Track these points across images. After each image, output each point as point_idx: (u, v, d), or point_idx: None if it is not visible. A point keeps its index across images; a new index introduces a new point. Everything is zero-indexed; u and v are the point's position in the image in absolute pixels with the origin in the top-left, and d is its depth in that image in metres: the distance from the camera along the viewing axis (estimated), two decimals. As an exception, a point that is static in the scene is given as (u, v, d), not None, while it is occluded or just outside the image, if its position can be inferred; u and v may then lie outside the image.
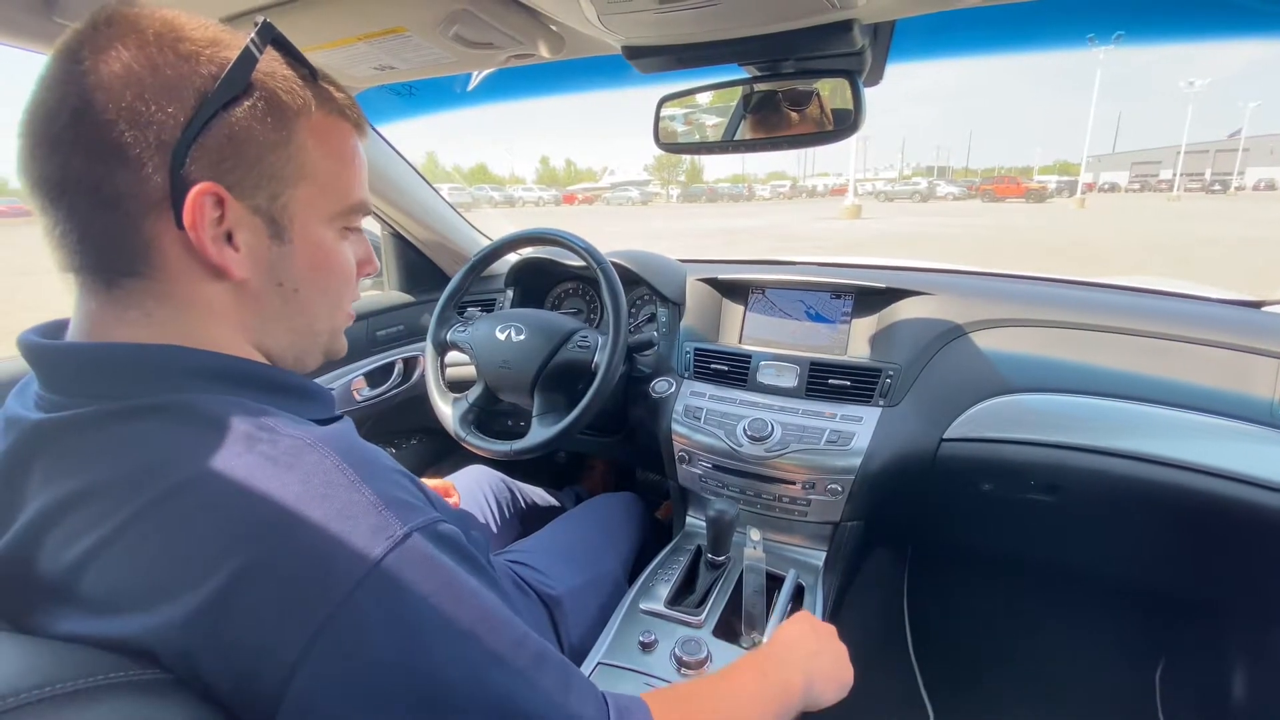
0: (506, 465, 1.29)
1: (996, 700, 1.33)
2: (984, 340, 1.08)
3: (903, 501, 1.15)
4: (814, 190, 63.15)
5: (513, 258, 1.43)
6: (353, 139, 0.52)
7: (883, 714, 1.30)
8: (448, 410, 1.17)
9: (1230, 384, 0.93)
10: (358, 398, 1.38)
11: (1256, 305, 1.10)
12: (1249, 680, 1.16)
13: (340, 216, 0.51)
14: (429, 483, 1.17)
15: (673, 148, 0.95)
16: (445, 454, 1.64)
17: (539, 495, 1.52)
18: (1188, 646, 1.29)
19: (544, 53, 0.82)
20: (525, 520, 1.41)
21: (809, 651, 0.70)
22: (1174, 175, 48.63)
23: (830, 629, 0.76)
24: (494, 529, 1.27)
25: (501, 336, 1.14)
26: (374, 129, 1.22)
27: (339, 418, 0.54)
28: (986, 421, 1.04)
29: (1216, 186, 49.08)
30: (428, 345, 1.22)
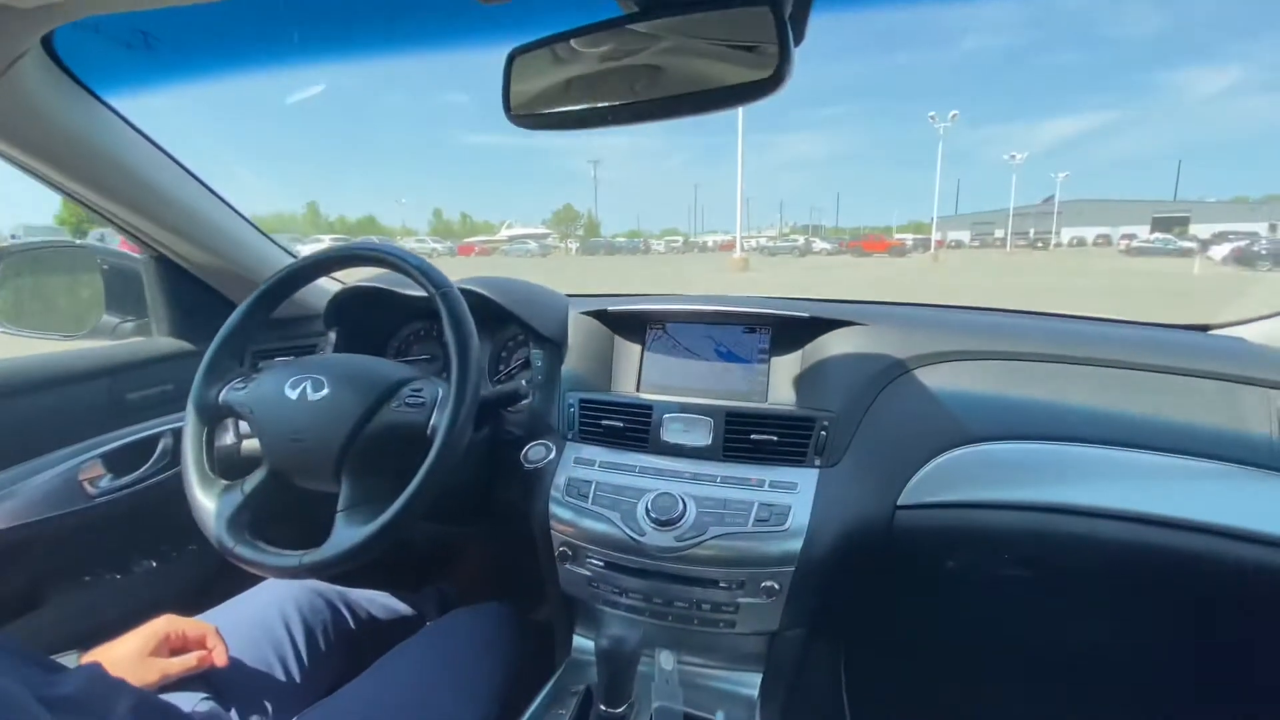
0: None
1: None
2: (932, 378, 0.88)
3: (849, 593, 0.90)
4: (705, 245, 66.29)
5: (332, 287, 1.08)
6: None
7: None
8: (210, 505, 0.78)
9: (1221, 420, 0.77)
10: (90, 490, 0.94)
11: (1202, 329, 0.99)
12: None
13: None
14: (181, 625, 0.77)
15: (531, 120, 0.67)
16: (238, 563, 1.20)
17: (385, 605, 1.12)
18: None
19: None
20: (361, 647, 1.01)
21: None
22: (1005, 234, 56.10)
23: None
24: (297, 678, 0.87)
25: (293, 395, 0.78)
26: (105, 104, 0.85)
27: None
28: (947, 480, 0.82)
29: (1039, 244, 57.09)
30: (189, 411, 0.83)
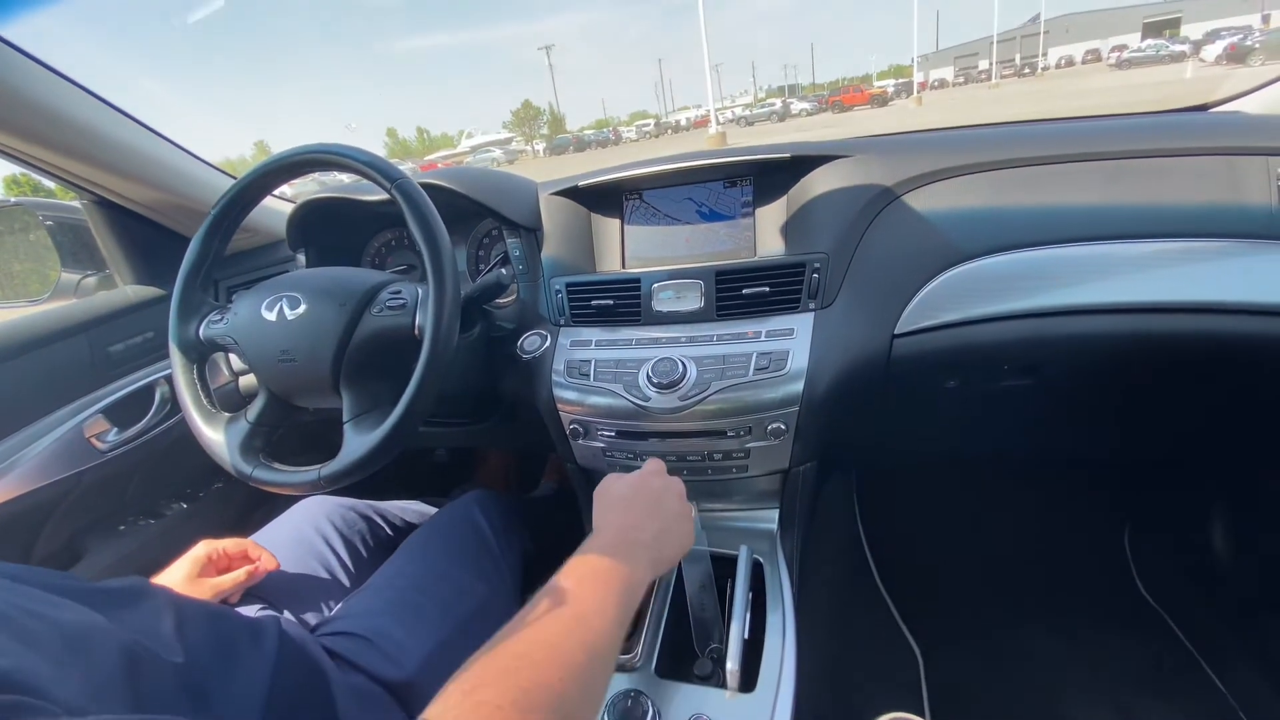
0: (367, 485, 0.91)
1: (976, 615, 1.19)
2: (922, 201, 0.85)
3: (853, 423, 0.93)
4: (678, 125, 62.91)
5: (285, 207, 1.02)
6: None
7: (872, 661, 1.13)
8: (218, 438, 0.79)
9: (1221, 196, 0.75)
10: (101, 446, 0.95)
11: (1201, 109, 0.94)
12: (1224, 530, 1.08)
13: None
14: (220, 545, 0.80)
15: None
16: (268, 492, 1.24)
17: (417, 511, 1.17)
18: (1151, 508, 1.21)
19: None
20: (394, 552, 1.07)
21: (653, 524, 0.59)
22: (990, 64, 52.93)
23: (671, 482, 0.67)
24: (345, 582, 0.92)
25: (270, 316, 0.76)
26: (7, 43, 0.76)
27: None
28: (943, 302, 0.82)
29: (1026, 70, 54.10)
30: (172, 351, 0.82)
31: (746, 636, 0.65)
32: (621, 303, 0.91)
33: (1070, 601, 1.18)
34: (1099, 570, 1.22)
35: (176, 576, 0.74)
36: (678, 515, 0.63)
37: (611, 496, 0.63)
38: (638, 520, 0.59)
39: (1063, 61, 55.40)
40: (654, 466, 0.69)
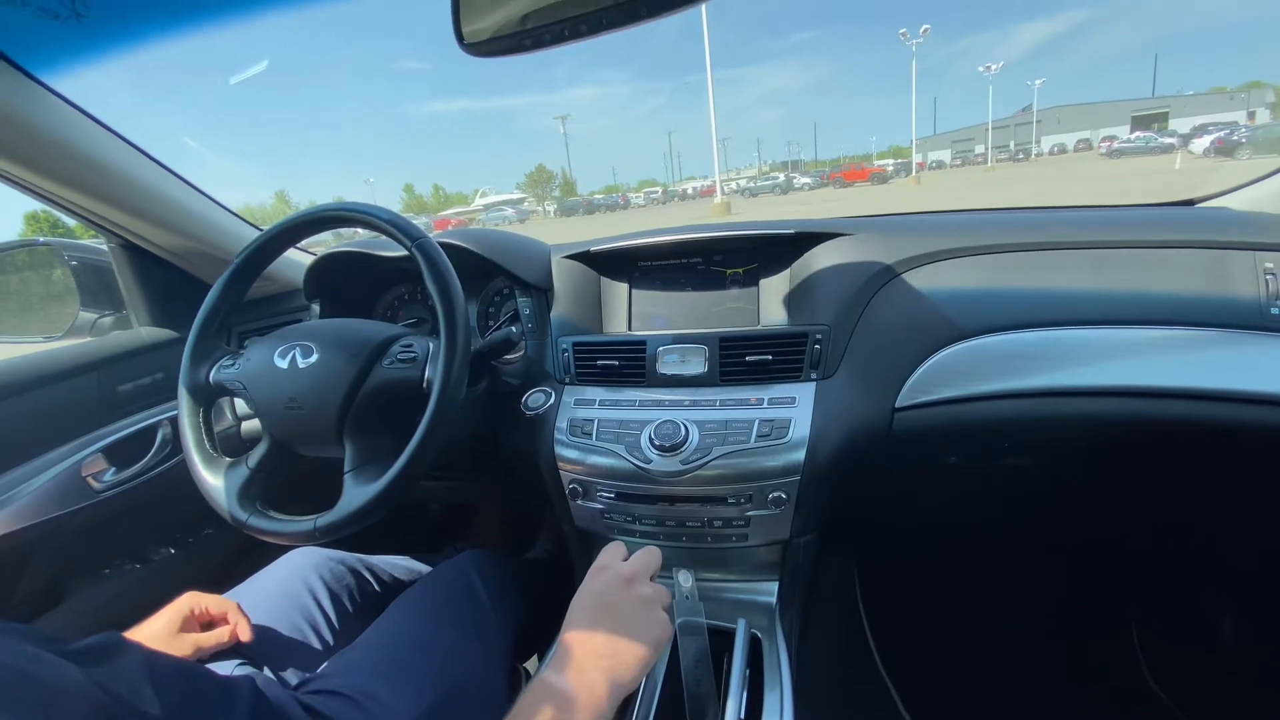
0: (357, 538, 0.90)
1: (979, 702, 1.14)
2: (921, 280, 0.88)
3: (855, 497, 0.92)
4: (685, 193, 65.05)
5: (305, 259, 1.06)
6: None
7: None
8: (217, 483, 0.79)
9: (1210, 288, 0.78)
10: (97, 485, 0.94)
11: (1188, 204, 0.98)
12: (1234, 622, 1.05)
13: None
14: (204, 601, 0.78)
15: (486, 47, 0.64)
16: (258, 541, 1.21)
17: (407, 567, 1.14)
18: (1159, 597, 1.18)
19: None
20: (382, 609, 1.04)
21: (601, 630, 0.55)
22: (986, 149, 55.38)
23: (613, 570, 0.61)
24: (330, 640, 0.89)
25: (282, 364, 0.77)
26: (43, 84, 0.81)
27: None
28: (942, 378, 0.83)
29: (1020, 155, 56.58)
30: (181, 393, 0.83)
31: (742, 717, 0.63)
32: (626, 364, 0.92)
33: (1076, 693, 1.13)
34: (1106, 660, 1.18)
35: (158, 628, 0.72)
36: (636, 625, 0.56)
37: (577, 604, 0.58)
38: (590, 636, 0.54)
39: (1055, 149, 57.97)
40: (613, 561, 0.64)
